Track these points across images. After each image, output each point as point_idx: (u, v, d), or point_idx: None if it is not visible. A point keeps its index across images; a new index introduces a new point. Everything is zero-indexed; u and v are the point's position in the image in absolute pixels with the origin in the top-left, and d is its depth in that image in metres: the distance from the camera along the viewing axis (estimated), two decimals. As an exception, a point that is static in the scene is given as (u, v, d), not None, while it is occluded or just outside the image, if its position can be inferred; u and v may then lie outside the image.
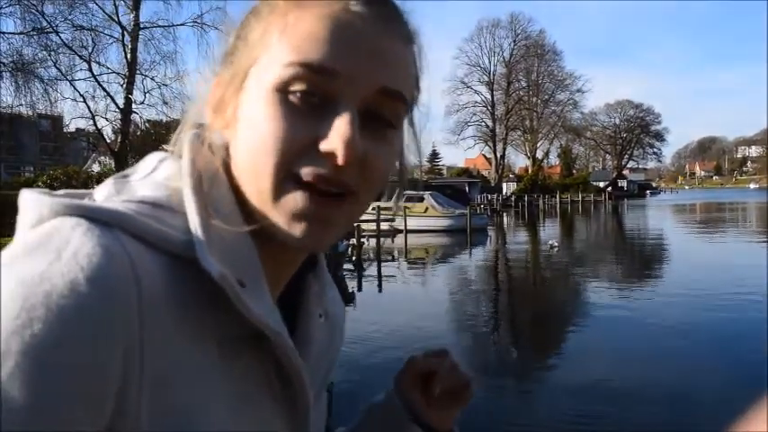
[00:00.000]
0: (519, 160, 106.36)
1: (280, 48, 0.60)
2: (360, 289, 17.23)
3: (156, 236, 0.55)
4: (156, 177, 0.63)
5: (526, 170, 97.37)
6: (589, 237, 37.90)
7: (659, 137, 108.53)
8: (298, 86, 0.59)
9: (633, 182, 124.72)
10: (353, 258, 21.82)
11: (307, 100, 0.59)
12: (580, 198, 79.87)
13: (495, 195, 69.03)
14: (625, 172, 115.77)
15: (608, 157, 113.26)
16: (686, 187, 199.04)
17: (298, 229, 0.60)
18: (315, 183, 0.59)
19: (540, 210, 65.55)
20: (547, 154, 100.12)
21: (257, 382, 0.61)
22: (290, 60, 0.59)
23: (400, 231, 30.60)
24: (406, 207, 33.57)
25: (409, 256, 26.01)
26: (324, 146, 0.59)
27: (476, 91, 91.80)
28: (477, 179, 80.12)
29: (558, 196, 76.50)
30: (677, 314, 12.60)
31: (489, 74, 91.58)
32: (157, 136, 26.32)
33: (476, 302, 15.71)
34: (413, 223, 32.47)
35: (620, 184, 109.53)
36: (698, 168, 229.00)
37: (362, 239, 23.17)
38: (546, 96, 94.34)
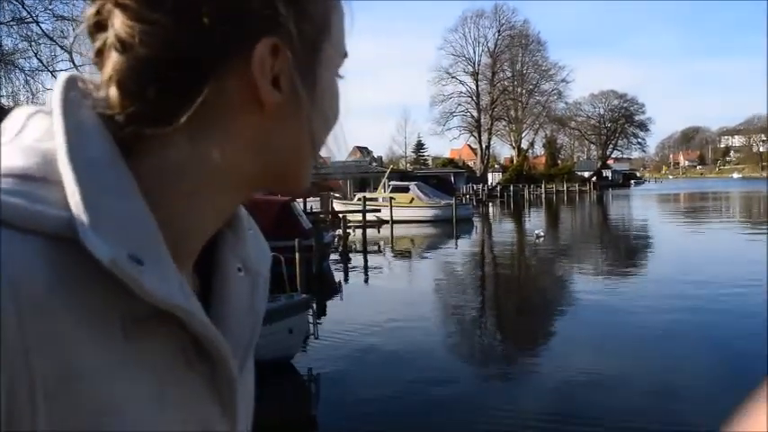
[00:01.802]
0: (504, 150, 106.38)
1: (339, 32, 0.60)
2: (346, 280, 17.23)
3: (30, 220, 0.47)
4: (23, 139, 0.53)
5: (511, 160, 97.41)
6: (574, 226, 38.11)
7: (643, 127, 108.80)
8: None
9: (618, 172, 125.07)
10: (339, 249, 21.80)
11: None
12: (565, 188, 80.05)
13: (480, 186, 69.10)
14: (609, 162, 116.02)
15: (592, 147, 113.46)
16: (670, 177, 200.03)
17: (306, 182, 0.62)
18: None
19: (525, 200, 65.75)
20: (532, 144, 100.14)
21: (175, 361, 0.54)
22: (344, 50, 0.61)
23: (386, 222, 30.60)
24: (391, 198, 33.62)
25: (395, 246, 26.01)
26: None
27: (460, 81, 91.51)
28: (462, 169, 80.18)
29: (543, 186, 76.76)
30: (661, 303, 12.70)
31: (474, 64, 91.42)
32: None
33: (462, 292, 15.75)
34: (398, 214, 32.49)
35: (604, 174, 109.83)
36: (682, 158, 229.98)
37: (348, 230, 23.13)
38: (530, 86, 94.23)
